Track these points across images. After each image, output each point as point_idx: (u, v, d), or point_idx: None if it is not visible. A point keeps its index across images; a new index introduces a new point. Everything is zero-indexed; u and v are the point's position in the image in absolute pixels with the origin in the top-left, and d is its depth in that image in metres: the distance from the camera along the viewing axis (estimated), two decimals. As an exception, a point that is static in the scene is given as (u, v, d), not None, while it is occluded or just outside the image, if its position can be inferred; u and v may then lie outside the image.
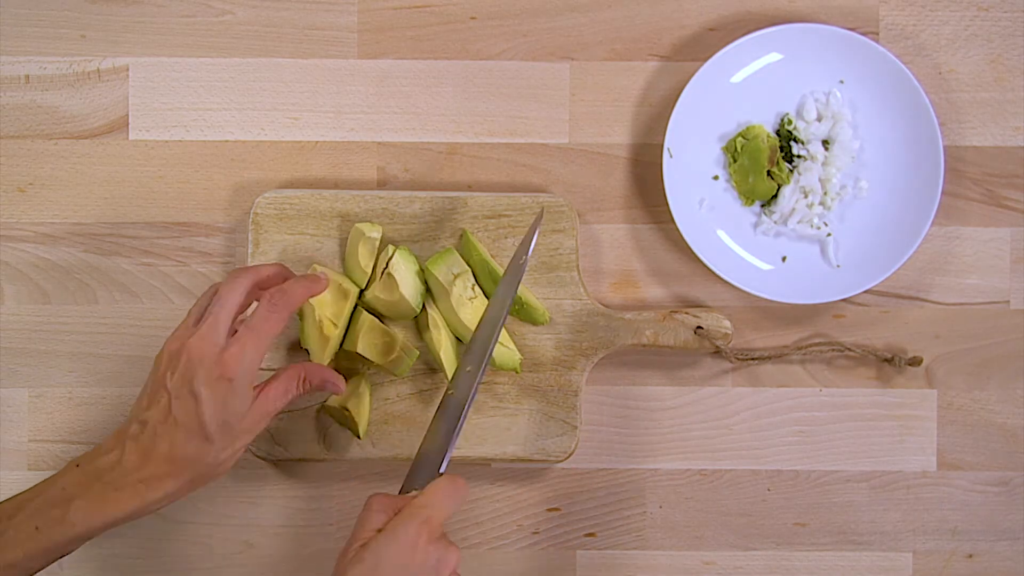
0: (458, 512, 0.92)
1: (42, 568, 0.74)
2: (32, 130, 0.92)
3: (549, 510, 0.93)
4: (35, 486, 0.75)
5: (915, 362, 0.91)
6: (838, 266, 0.90)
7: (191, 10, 0.92)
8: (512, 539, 0.93)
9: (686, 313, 0.89)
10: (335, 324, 0.86)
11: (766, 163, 0.89)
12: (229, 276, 0.78)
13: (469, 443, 0.89)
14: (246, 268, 0.79)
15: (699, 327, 0.89)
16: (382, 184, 0.92)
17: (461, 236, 0.89)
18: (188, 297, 0.92)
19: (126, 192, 0.92)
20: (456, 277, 0.87)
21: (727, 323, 0.89)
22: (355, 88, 0.93)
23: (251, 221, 0.89)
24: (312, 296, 0.81)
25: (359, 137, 0.93)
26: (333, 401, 0.87)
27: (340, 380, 0.83)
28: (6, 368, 0.92)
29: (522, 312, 0.88)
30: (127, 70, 0.92)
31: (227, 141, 0.92)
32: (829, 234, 0.90)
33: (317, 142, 0.93)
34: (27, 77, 0.92)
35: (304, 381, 0.80)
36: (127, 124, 0.92)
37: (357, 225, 0.87)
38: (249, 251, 0.89)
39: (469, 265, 0.88)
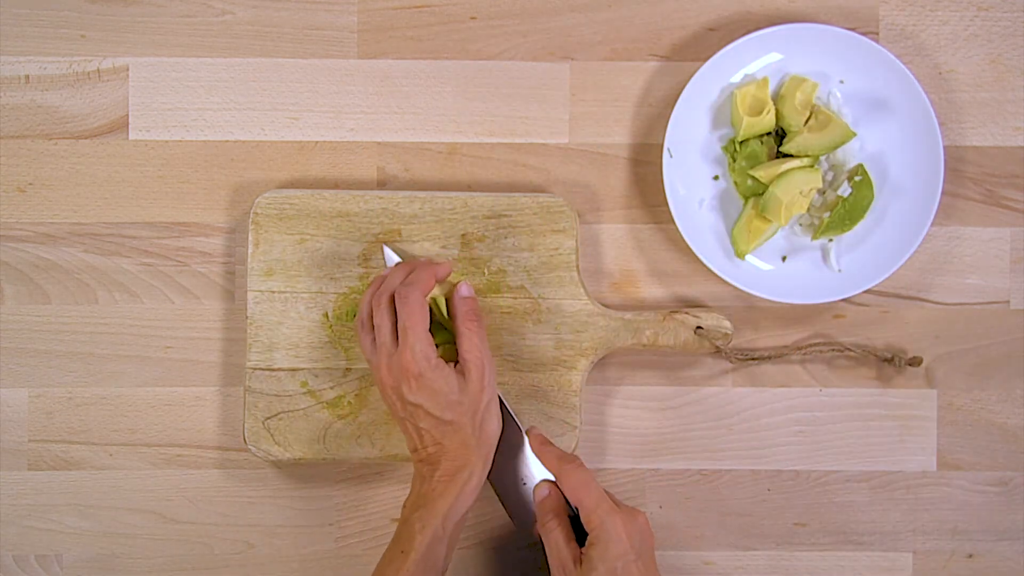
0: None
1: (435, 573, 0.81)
2: (32, 130, 0.92)
3: None
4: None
5: (915, 362, 0.91)
6: (839, 271, 0.90)
7: (191, 10, 0.92)
8: (512, 539, 0.93)
9: (686, 313, 0.89)
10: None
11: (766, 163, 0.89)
12: (374, 303, 0.83)
13: (469, 443, 0.89)
14: (380, 288, 0.83)
15: (699, 327, 0.89)
16: (382, 184, 0.92)
17: None
18: (188, 297, 0.92)
19: (126, 192, 0.92)
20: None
21: (727, 323, 0.89)
22: (355, 88, 0.93)
23: (251, 221, 0.89)
24: (438, 278, 0.84)
25: (359, 137, 0.93)
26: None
27: (441, 265, 0.86)
28: (6, 368, 0.92)
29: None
30: (127, 70, 0.92)
31: (227, 141, 0.92)
32: (831, 239, 0.90)
33: (317, 142, 0.93)
34: (27, 77, 0.92)
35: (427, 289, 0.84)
36: (127, 124, 0.92)
37: (794, 75, 0.89)
38: (249, 251, 0.89)
39: None
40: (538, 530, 0.83)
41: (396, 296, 0.81)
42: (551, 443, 0.85)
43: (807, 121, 0.89)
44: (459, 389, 0.81)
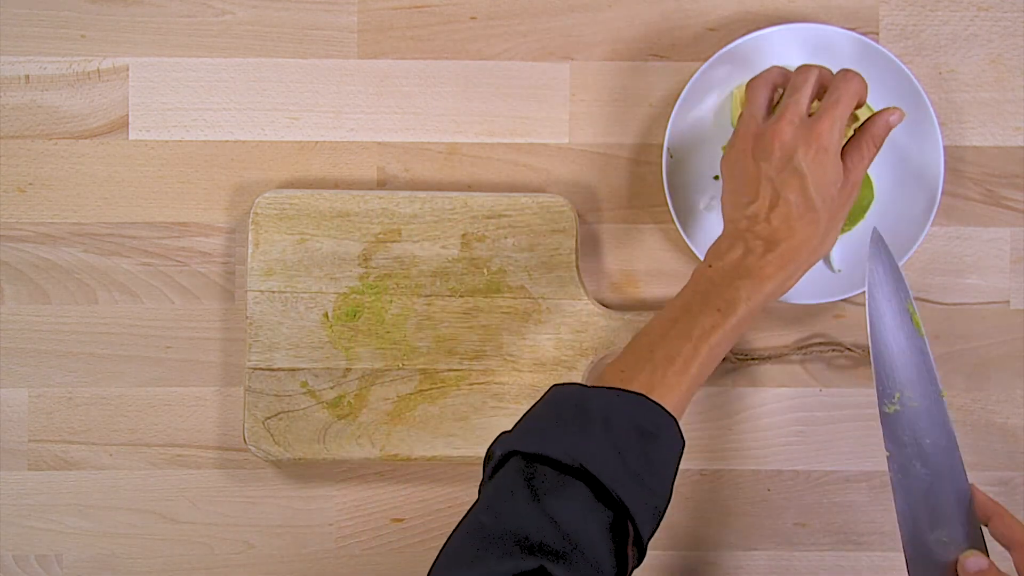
0: (457, 512, 0.92)
1: (732, 344, 0.77)
2: (32, 130, 0.92)
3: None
4: (680, 295, 0.78)
5: (915, 363, 0.91)
6: (839, 271, 0.90)
7: (191, 10, 0.92)
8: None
9: (686, 313, 0.89)
10: None
11: (766, 163, 0.89)
12: (798, 71, 0.80)
13: (468, 443, 0.89)
14: (811, 65, 0.81)
15: (699, 326, 0.89)
16: (382, 184, 0.92)
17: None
18: (188, 297, 0.92)
19: (126, 192, 0.92)
20: None
21: (727, 322, 0.89)
22: (355, 88, 0.93)
23: (251, 221, 0.89)
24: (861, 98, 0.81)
25: (359, 137, 0.93)
26: None
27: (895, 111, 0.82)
28: (6, 368, 0.92)
29: None
30: (127, 70, 0.92)
31: (227, 141, 0.92)
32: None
33: (317, 142, 0.93)
34: (27, 77, 0.92)
35: (872, 140, 0.81)
36: (127, 124, 0.92)
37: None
38: (249, 251, 0.89)
39: None
40: None
41: (838, 77, 0.79)
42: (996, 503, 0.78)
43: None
44: (840, 187, 0.78)
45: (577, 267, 0.89)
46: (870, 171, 0.89)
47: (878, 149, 0.81)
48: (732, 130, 0.90)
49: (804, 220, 0.77)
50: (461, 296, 0.89)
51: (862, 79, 0.80)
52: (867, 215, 0.89)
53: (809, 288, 0.89)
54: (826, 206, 0.77)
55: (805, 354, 0.92)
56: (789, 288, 0.78)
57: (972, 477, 0.93)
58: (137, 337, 0.92)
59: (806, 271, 0.79)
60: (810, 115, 0.79)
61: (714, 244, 0.80)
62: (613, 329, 0.89)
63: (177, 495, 0.93)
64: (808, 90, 0.79)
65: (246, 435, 0.89)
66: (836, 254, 0.90)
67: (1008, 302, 0.93)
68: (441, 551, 0.68)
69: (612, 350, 0.89)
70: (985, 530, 0.78)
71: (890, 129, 0.81)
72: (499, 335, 0.89)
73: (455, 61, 0.93)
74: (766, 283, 0.76)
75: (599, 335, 0.89)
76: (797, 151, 0.77)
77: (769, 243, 0.77)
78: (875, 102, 0.89)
